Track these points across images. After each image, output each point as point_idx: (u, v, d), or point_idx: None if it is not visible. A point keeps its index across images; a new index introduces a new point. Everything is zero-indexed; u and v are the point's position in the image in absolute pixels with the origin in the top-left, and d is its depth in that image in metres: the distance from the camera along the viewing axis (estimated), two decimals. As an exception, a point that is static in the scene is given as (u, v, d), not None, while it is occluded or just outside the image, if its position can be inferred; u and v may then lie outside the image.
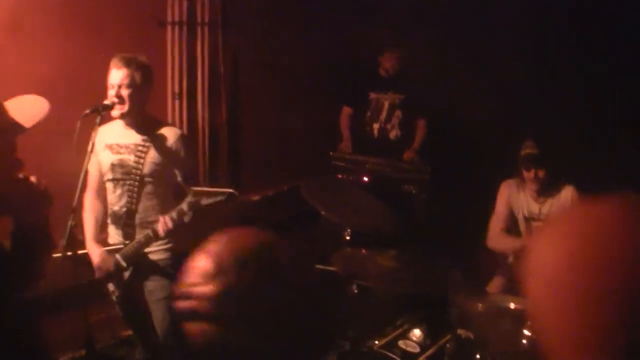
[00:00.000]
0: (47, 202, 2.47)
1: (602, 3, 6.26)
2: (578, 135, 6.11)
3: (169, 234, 3.86)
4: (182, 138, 4.17)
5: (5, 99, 2.33)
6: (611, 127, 6.13)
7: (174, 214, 3.77)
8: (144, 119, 4.12)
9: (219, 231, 1.37)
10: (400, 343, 4.50)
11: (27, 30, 4.79)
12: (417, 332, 4.48)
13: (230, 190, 3.66)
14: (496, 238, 5.07)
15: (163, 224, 3.81)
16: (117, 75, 3.93)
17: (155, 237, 3.91)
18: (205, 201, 3.69)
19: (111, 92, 3.94)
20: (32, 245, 2.40)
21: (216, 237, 1.35)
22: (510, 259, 5.09)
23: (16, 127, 2.30)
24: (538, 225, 4.96)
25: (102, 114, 3.85)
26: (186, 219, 3.78)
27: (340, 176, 6.61)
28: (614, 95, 6.31)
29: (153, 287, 4.17)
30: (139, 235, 4.00)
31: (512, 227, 5.10)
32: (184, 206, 3.73)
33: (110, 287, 4.19)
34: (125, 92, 3.93)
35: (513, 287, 4.87)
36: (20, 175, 2.39)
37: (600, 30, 6.25)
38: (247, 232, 1.36)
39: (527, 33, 6.72)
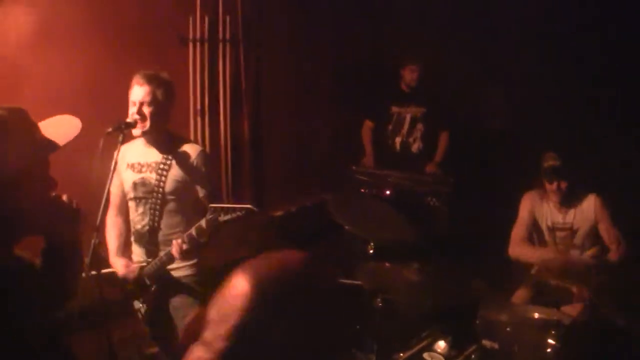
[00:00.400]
0: (79, 221, 2.48)
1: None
2: (595, 145, 6.11)
3: (189, 251, 3.84)
4: (203, 154, 4.15)
5: (32, 116, 2.35)
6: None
7: (193, 232, 3.74)
8: (165, 136, 4.11)
9: (260, 253, 1.39)
10: (426, 355, 4.48)
11: (52, 47, 4.85)
12: (442, 344, 4.45)
13: (248, 205, 3.60)
14: (518, 247, 5.06)
15: (179, 244, 3.80)
16: (139, 92, 3.92)
17: (169, 261, 3.93)
18: (223, 217, 3.63)
19: (132, 109, 3.92)
20: (63, 264, 2.40)
21: (257, 259, 1.36)
22: (534, 270, 5.07)
23: (50, 145, 2.32)
24: (563, 234, 4.95)
25: (125, 131, 3.84)
26: (203, 239, 3.77)
27: (362, 190, 6.61)
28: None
29: (178, 303, 4.17)
30: (162, 253, 4.01)
31: (536, 237, 5.10)
32: (203, 223, 3.68)
33: (137, 304, 4.21)
34: (147, 110, 3.91)
35: (538, 298, 4.86)
36: (53, 194, 2.40)
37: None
38: (288, 256, 1.37)
39: (547, 43, 6.71)
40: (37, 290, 2.30)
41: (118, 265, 4.17)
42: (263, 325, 1.21)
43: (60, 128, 2.45)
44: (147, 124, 3.94)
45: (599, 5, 6.28)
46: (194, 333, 1.31)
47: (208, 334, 1.28)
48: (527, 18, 6.74)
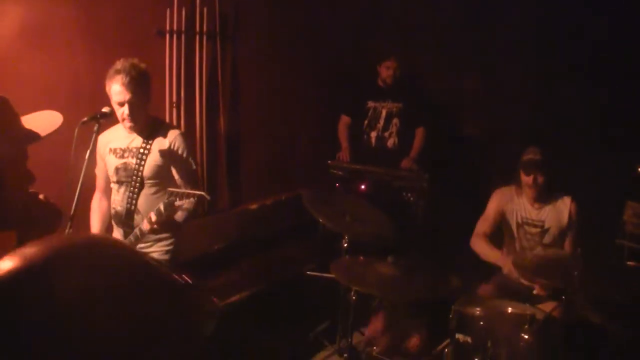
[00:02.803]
0: (58, 221, 2.44)
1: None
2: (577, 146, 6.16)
3: (154, 230, 3.95)
4: (180, 138, 4.24)
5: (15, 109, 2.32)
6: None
7: (153, 214, 3.85)
8: (146, 121, 4.19)
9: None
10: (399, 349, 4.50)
11: (32, 40, 4.81)
12: (415, 338, 4.48)
13: (201, 192, 3.75)
14: (478, 242, 5.16)
15: (144, 224, 3.93)
16: (121, 93, 3.97)
17: (142, 235, 4.01)
18: (178, 202, 3.77)
19: (122, 110, 4.01)
20: None
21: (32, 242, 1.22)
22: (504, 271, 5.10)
23: (31, 136, 2.28)
24: (534, 231, 4.99)
25: (100, 121, 3.86)
26: (166, 217, 3.87)
27: (338, 185, 6.62)
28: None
29: None
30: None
31: (506, 233, 5.14)
32: (161, 206, 3.79)
33: None
34: (133, 108, 4.02)
35: (502, 295, 4.88)
36: (31, 191, 2.36)
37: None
38: (66, 235, 1.24)
39: (529, 41, 6.74)
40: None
41: None
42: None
43: (41, 121, 2.42)
44: (135, 119, 4.08)
45: (580, 7, 6.30)
46: None
47: None
48: (509, 19, 6.76)
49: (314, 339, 5.35)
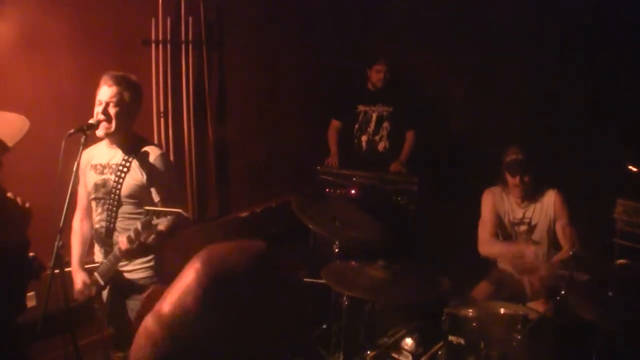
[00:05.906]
0: (26, 221, 2.39)
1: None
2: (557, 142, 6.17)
3: (131, 252, 3.84)
4: (162, 158, 4.12)
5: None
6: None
7: (132, 234, 3.73)
8: (128, 138, 4.09)
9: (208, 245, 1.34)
10: (393, 353, 4.49)
11: (17, 52, 4.79)
12: (409, 341, 4.47)
13: (179, 210, 3.63)
14: (487, 244, 5.09)
15: (122, 243, 3.79)
16: (106, 92, 3.91)
17: (121, 255, 3.90)
18: (155, 220, 3.66)
19: (98, 109, 3.91)
20: (9, 270, 2.31)
21: (216, 244, 1.31)
22: (500, 266, 5.11)
23: None
24: (522, 229, 5.01)
25: (87, 133, 3.81)
26: (144, 238, 3.77)
27: (328, 190, 6.61)
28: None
29: (134, 305, 4.15)
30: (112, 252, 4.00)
31: (500, 231, 5.13)
32: (139, 225, 3.68)
33: (96, 306, 4.18)
34: (112, 110, 3.90)
35: (499, 293, 4.90)
36: (8, 195, 2.33)
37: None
38: (247, 243, 1.32)
39: (521, 41, 6.75)
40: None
41: (77, 278, 4.18)
42: (209, 302, 1.17)
43: (7, 127, 2.37)
44: (112, 125, 3.94)
45: (571, 7, 6.32)
46: (148, 310, 1.26)
47: (158, 304, 1.24)
48: (500, 19, 6.78)
49: (307, 346, 5.33)
